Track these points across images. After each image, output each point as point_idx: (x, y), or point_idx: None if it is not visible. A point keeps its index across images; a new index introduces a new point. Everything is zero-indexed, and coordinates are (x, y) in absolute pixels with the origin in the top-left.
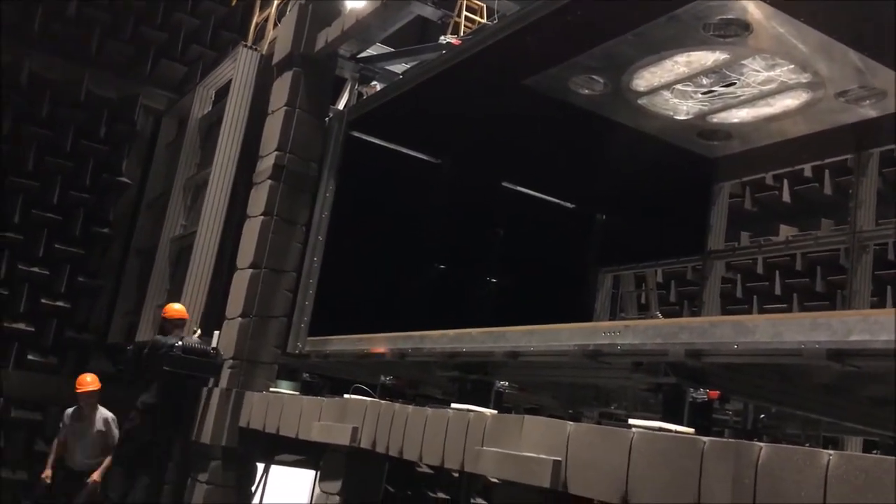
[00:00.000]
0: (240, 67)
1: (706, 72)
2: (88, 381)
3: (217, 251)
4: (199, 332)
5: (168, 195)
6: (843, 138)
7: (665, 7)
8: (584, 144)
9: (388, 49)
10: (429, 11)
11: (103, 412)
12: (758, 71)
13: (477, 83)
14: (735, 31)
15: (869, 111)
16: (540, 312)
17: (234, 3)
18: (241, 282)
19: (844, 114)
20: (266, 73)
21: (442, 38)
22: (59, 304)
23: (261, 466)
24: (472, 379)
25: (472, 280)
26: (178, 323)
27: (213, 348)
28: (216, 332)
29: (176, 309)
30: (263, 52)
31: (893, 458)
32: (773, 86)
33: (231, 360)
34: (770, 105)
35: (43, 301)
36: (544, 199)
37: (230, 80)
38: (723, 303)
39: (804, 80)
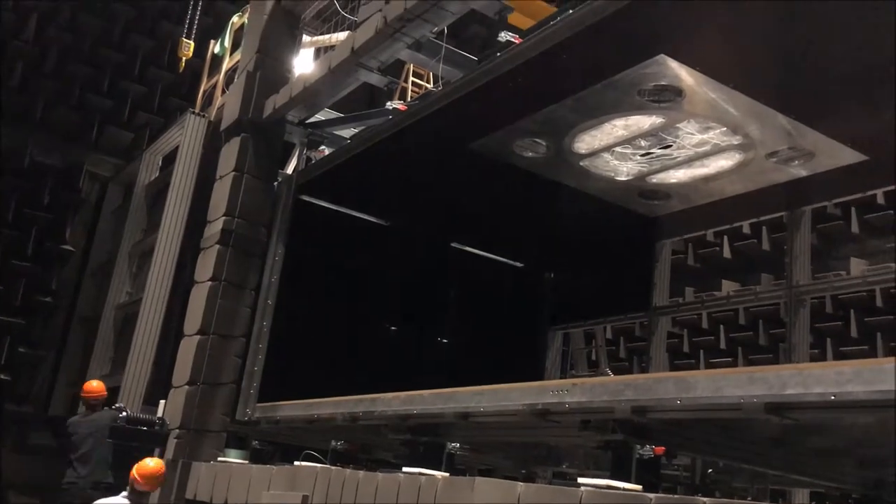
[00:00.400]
0: (187, 134)
1: (644, 135)
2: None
3: (163, 318)
4: (120, 406)
5: (113, 263)
6: (777, 196)
7: (602, 74)
8: (530, 205)
9: (336, 114)
10: (375, 79)
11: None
12: (692, 133)
13: (423, 147)
14: (669, 96)
15: (799, 170)
16: (492, 371)
17: (181, 70)
18: (188, 349)
19: (776, 173)
20: (214, 139)
21: (388, 103)
22: (0, 376)
23: None
24: (424, 441)
25: (423, 340)
26: (94, 402)
27: (159, 418)
28: (162, 402)
29: (94, 386)
30: (211, 119)
31: None
32: (707, 147)
33: (177, 430)
34: (706, 166)
35: None
36: (493, 258)
37: (177, 147)
38: (670, 358)
39: (736, 142)
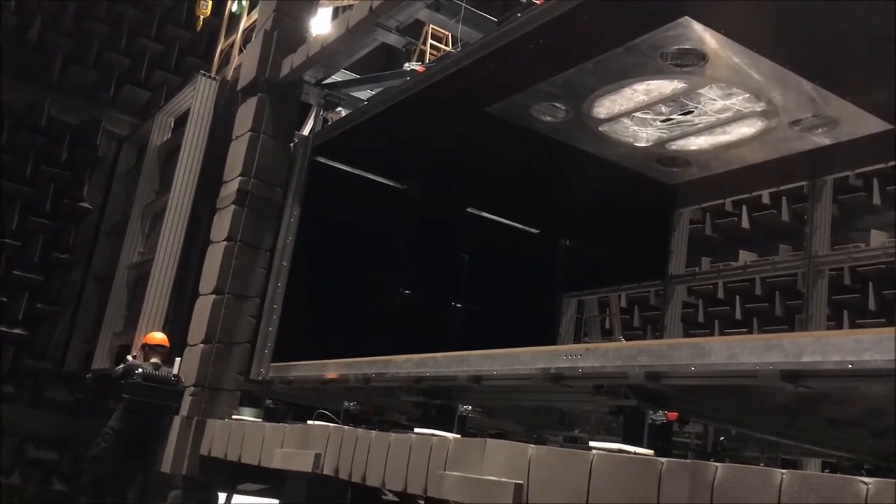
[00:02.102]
0: (198, 95)
1: (665, 100)
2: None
3: (174, 278)
4: (134, 356)
5: (126, 222)
6: (798, 166)
7: (624, 37)
8: (547, 171)
9: (353, 75)
10: (393, 39)
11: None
12: (714, 100)
13: (441, 110)
14: (692, 60)
15: (822, 139)
16: (505, 337)
17: (199, 29)
18: (203, 308)
19: (799, 142)
20: (226, 100)
21: (406, 65)
22: (17, 331)
23: (222, 495)
24: (436, 404)
25: (437, 305)
26: (159, 349)
27: (175, 375)
28: (177, 359)
29: (158, 337)
30: (228, 78)
31: (844, 476)
32: (729, 114)
33: (192, 388)
34: (727, 133)
35: (1, 328)
36: (509, 224)
37: (189, 109)
38: (685, 327)
39: (759, 109)
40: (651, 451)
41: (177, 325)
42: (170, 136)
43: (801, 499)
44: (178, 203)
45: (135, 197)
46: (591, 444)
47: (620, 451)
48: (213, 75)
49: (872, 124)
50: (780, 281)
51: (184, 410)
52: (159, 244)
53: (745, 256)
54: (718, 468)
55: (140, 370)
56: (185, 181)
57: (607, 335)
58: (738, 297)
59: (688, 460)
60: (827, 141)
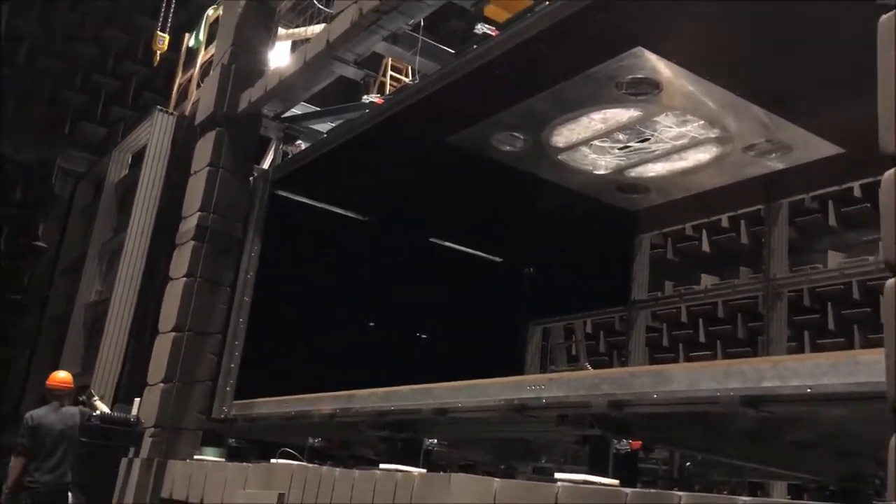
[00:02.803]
0: (156, 131)
1: (621, 128)
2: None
3: (132, 317)
4: (95, 398)
5: (84, 260)
6: (755, 190)
7: (579, 67)
8: (508, 200)
9: (312, 108)
10: (351, 72)
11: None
12: (670, 127)
13: (401, 141)
14: (646, 89)
15: (776, 163)
16: (471, 367)
17: (156, 64)
18: (163, 346)
19: (753, 167)
20: (184, 135)
21: (365, 97)
22: None
23: None
24: (402, 437)
25: (402, 335)
26: (60, 393)
27: (134, 416)
28: (136, 400)
29: (60, 378)
30: (186, 113)
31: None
32: (684, 141)
33: (153, 428)
34: (683, 159)
35: None
36: (472, 253)
37: (146, 144)
38: (650, 351)
39: (713, 135)
40: (616, 481)
41: (136, 364)
42: (127, 172)
43: None
44: (136, 240)
45: (92, 235)
46: (557, 475)
47: (585, 482)
48: (170, 110)
49: (824, 148)
50: (741, 303)
51: (144, 452)
52: (117, 282)
53: (706, 280)
54: (682, 497)
55: (96, 412)
56: (143, 217)
57: (573, 362)
58: (700, 320)
59: (652, 490)
60: (781, 165)
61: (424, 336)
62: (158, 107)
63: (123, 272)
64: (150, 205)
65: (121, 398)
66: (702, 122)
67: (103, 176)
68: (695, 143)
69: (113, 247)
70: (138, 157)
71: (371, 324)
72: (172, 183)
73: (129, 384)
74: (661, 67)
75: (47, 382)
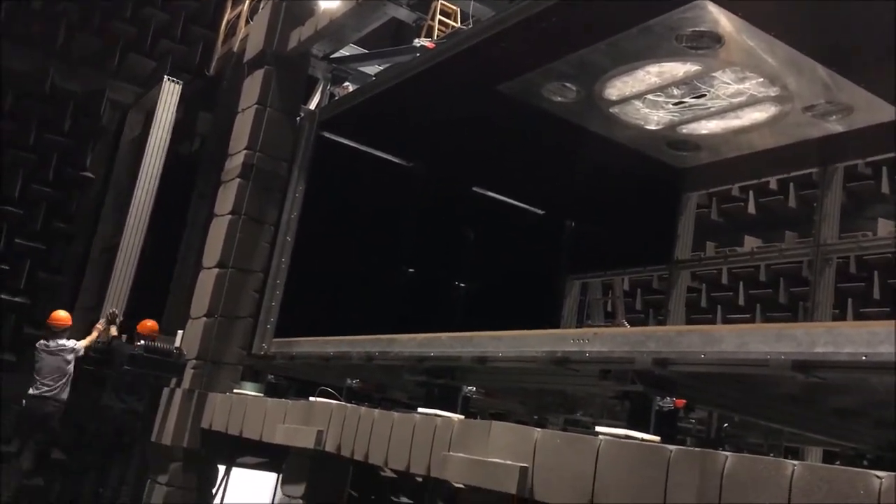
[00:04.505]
0: (163, 98)
1: (677, 83)
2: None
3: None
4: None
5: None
6: (809, 152)
7: (638, 18)
8: (555, 151)
9: (361, 50)
10: (403, 14)
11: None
12: (728, 83)
13: (450, 87)
14: (707, 43)
15: (835, 126)
16: (508, 317)
17: None
18: (206, 281)
19: (811, 128)
20: (237, 70)
21: (416, 41)
22: (18, 299)
23: (222, 468)
24: (440, 384)
25: (441, 284)
26: (58, 329)
27: (176, 348)
28: (179, 332)
29: (61, 315)
30: (234, 49)
31: (856, 469)
32: (742, 98)
33: (194, 361)
34: (739, 117)
35: (2, 297)
36: (514, 204)
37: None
38: (687, 312)
39: (773, 94)
40: (657, 438)
41: (180, 297)
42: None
43: (813, 491)
44: (144, 192)
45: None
46: (598, 429)
47: (627, 437)
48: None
49: (886, 112)
50: (785, 268)
51: (185, 383)
52: (126, 222)
53: (750, 242)
54: (728, 458)
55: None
56: (150, 177)
57: (610, 318)
58: (742, 283)
59: (697, 449)
60: (839, 128)
61: (463, 285)
62: (167, 76)
63: (132, 217)
64: (155, 168)
65: (162, 329)
66: (762, 79)
67: (152, 108)
68: (752, 102)
69: None
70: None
71: (411, 270)
72: (180, 143)
73: (176, 315)
74: (724, 21)
75: (49, 319)
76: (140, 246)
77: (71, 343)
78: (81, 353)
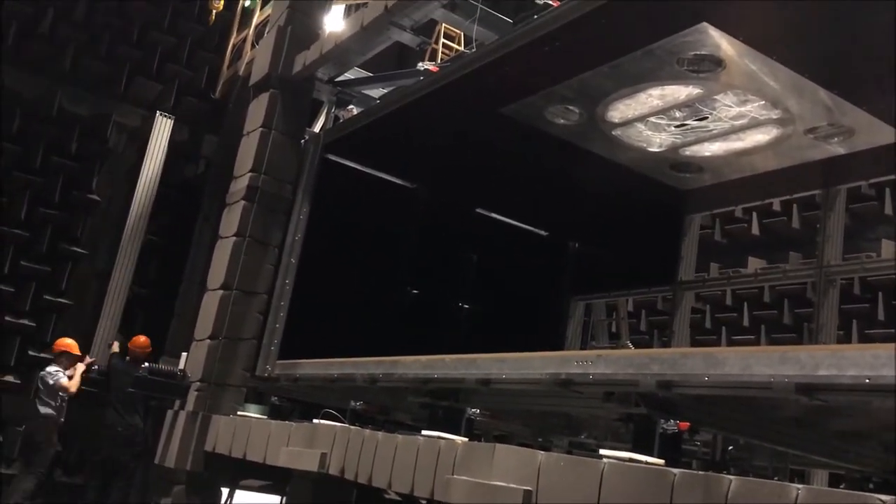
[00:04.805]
0: (155, 131)
1: (679, 105)
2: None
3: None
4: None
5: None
6: (812, 174)
7: (641, 41)
8: (558, 173)
9: (365, 73)
10: (407, 38)
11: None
12: (730, 106)
13: (453, 110)
14: (708, 66)
15: (837, 148)
16: (512, 339)
17: (211, 22)
18: (210, 303)
19: (813, 150)
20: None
21: (420, 64)
22: (23, 321)
23: (225, 491)
24: (444, 406)
25: (444, 305)
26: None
27: (181, 370)
28: (184, 354)
29: (142, 341)
30: (240, 73)
31: (861, 493)
32: (744, 121)
33: (198, 383)
34: (741, 140)
35: (6, 319)
36: (518, 226)
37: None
38: (692, 333)
39: (775, 117)
40: (661, 461)
41: (185, 319)
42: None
43: None
44: (136, 220)
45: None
46: (602, 452)
47: (631, 460)
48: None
49: (888, 134)
50: (789, 289)
51: (189, 405)
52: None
53: (754, 264)
54: (732, 481)
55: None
56: (142, 206)
57: (614, 339)
58: (746, 304)
59: (701, 472)
60: (842, 150)
61: (466, 306)
62: (159, 111)
63: (125, 239)
64: (147, 201)
65: (167, 351)
66: (763, 102)
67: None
68: (755, 124)
69: None
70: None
71: (415, 291)
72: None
73: (178, 339)
74: (725, 45)
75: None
76: (131, 276)
77: (59, 377)
78: (65, 394)
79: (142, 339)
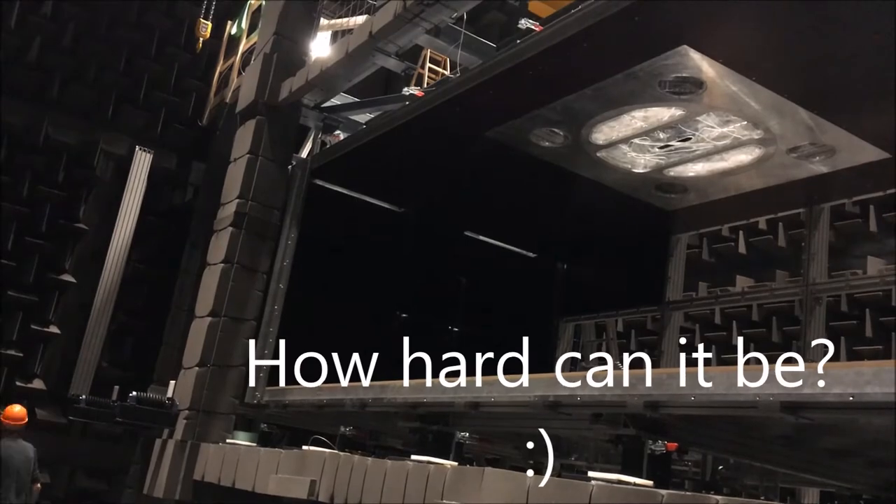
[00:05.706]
0: (135, 165)
1: (663, 127)
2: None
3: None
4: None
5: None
6: (796, 193)
7: (622, 64)
8: (545, 195)
9: (352, 99)
10: (392, 63)
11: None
12: (712, 127)
13: (439, 134)
14: (689, 88)
15: (819, 167)
16: (501, 361)
17: (198, 50)
18: (199, 330)
19: (796, 169)
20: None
21: (405, 89)
22: (11, 352)
23: None
24: (433, 430)
25: (434, 328)
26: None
27: (169, 398)
28: (172, 382)
29: (16, 412)
30: (226, 100)
31: None
32: (726, 141)
33: (187, 411)
34: (725, 160)
35: None
36: (506, 248)
37: None
38: (685, 352)
39: (756, 137)
40: (650, 482)
41: (172, 347)
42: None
43: None
44: (118, 245)
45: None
46: (590, 473)
47: (619, 481)
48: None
49: (869, 153)
50: (777, 307)
51: (178, 434)
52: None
53: (742, 282)
54: (719, 501)
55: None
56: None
57: (604, 360)
58: (735, 322)
59: (688, 493)
60: (824, 169)
61: (456, 329)
62: (139, 146)
63: (107, 268)
64: (126, 234)
65: (155, 380)
66: (745, 122)
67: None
68: (737, 144)
69: None
70: None
71: (404, 315)
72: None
73: (166, 366)
74: (706, 67)
75: (3, 418)
76: (113, 305)
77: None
78: None
79: (16, 409)
